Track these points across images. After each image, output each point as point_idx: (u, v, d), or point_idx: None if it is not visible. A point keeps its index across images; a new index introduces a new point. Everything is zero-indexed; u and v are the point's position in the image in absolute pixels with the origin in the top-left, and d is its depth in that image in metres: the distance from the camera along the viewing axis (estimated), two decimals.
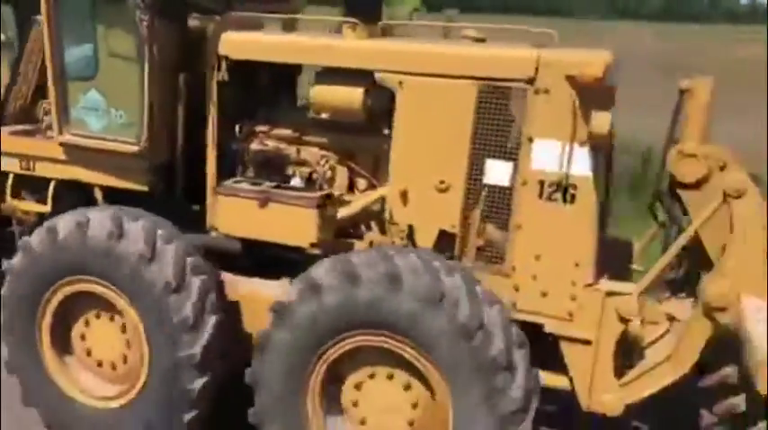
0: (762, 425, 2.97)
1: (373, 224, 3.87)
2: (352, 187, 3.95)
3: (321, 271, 3.21)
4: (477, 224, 3.48)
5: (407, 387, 3.28)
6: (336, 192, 3.87)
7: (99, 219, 3.62)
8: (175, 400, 3.58)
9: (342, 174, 3.91)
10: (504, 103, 3.34)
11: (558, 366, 3.50)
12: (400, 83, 3.46)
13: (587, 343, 3.34)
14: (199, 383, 3.55)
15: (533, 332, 3.37)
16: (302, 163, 3.94)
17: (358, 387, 3.36)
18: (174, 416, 3.63)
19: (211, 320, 3.54)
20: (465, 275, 3.18)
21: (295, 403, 3.33)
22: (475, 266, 3.48)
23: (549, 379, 3.45)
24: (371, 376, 3.33)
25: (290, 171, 3.95)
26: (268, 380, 3.34)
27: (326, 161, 3.89)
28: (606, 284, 3.34)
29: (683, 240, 3.32)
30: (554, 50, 3.34)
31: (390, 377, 3.30)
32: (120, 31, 3.74)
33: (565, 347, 3.40)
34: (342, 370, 3.35)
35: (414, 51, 3.57)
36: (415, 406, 3.29)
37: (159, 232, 3.59)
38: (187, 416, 3.62)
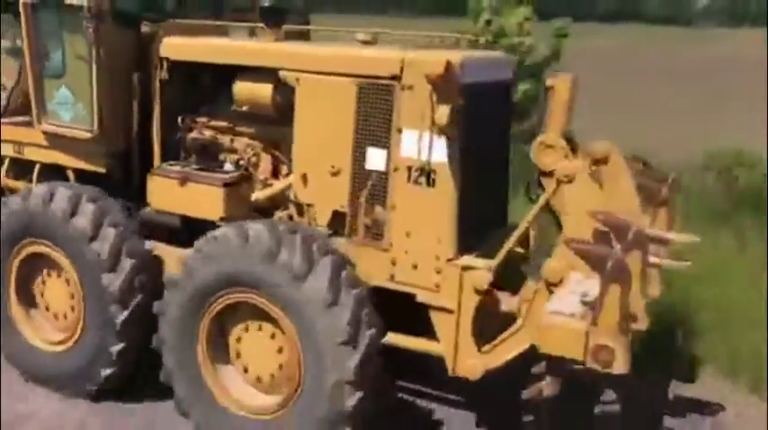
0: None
1: (292, 205, 4.41)
2: (276, 173, 4.53)
3: (202, 241, 3.87)
4: (363, 205, 3.97)
5: (273, 336, 3.88)
6: (261, 176, 4.48)
7: (63, 193, 4.38)
8: None
9: (266, 161, 4.51)
10: (383, 98, 3.83)
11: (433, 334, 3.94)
12: (297, 80, 4.05)
13: (450, 312, 3.76)
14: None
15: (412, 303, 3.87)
16: (233, 150, 4.58)
17: (238, 339, 4.00)
18: None
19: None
20: (305, 236, 3.75)
21: (191, 358, 3.98)
22: (362, 242, 3.97)
23: (428, 345, 3.94)
24: (246, 329, 3.95)
25: (222, 157, 4.59)
26: (168, 341, 4.00)
27: (252, 149, 4.51)
28: (466, 259, 3.76)
29: (524, 223, 3.76)
30: (421, 52, 3.83)
31: (260, 329, 3.91)
32: (79, 37, 4.44)
33: (433, 316, 3.84)
34: (225, 325, 4.00)
35: (307, 52, 4.19)
36: (280, 350, 3.87)
37: (108, 216, 4.32)
38: None
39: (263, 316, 3.83)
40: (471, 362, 3.75)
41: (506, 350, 3.70)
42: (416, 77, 3.63)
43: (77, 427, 4.37)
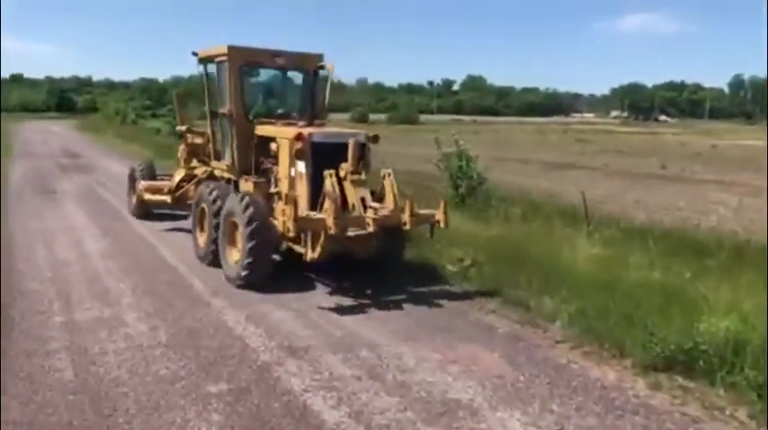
0: None
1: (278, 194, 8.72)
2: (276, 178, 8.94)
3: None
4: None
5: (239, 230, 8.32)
6: (274, 179, 8.94)
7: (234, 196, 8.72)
8: None
9: (275, 172, 8.93)
10: (293, 146, 8.28)
11: None
12: (278, 140, 8.73)
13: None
14: None
15: None
16: (272, 170, 8.98)
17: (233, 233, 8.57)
18: None
19: None
20: (250, 200, 8.13)
21: (223, 241, 8.70)
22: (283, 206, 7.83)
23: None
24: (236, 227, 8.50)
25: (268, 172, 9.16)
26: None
27: (274, 168, 8.94)
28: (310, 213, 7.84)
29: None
30: (309, 128, 8.48)
31: (236, 228, 8.40)
32: (228, 125, 9.39)
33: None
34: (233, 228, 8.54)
35: (285, 131, 8.65)
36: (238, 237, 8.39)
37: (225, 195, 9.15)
38: None
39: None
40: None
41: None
42: (301, 137, 8.10)
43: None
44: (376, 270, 8.43)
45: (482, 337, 6.54)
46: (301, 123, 8.68)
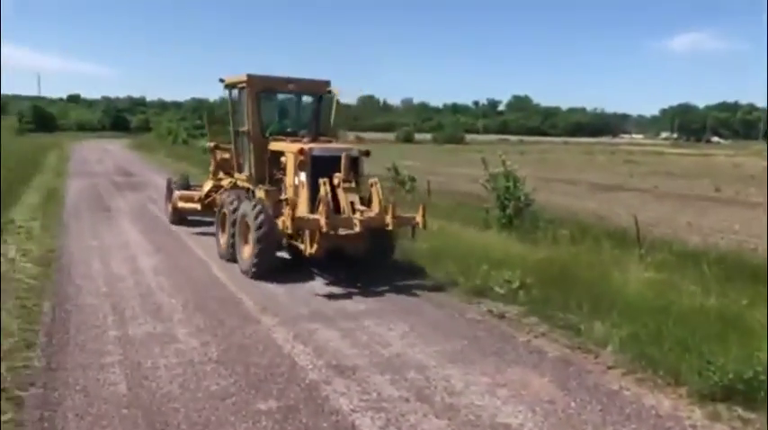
0: None
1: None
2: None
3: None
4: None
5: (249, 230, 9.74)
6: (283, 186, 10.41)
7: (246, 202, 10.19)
8: None
9: (283, 181, 10.30)
10: (298, 158, 9.70)
11: None
12: (284, 153, 10.14)
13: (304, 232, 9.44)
14: None
15: None
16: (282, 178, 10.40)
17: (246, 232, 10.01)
18: None
19: None
20: (255, 203, 9.74)
21: (238, 239, 10.14)
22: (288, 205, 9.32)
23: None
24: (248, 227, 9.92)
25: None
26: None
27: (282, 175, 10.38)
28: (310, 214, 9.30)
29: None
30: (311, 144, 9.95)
31: (248, 228, 9.75)
32: (247, 141, 10.80)
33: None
34: (245, 227, 10.01)
35: (291, 146, 10.13)
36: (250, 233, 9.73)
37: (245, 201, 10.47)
38: None
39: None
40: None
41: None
42: (303, 152, 9.57)
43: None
44: (368, 267, 9.69)
45: (531, 361, 6.44)
46: (306, 140, 10.14)
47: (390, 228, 9.08)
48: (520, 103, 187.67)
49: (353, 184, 9.38)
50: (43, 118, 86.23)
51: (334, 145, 10.27)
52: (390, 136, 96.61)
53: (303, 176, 9.53)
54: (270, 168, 10.37)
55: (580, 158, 56.09)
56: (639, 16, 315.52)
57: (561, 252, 10.05)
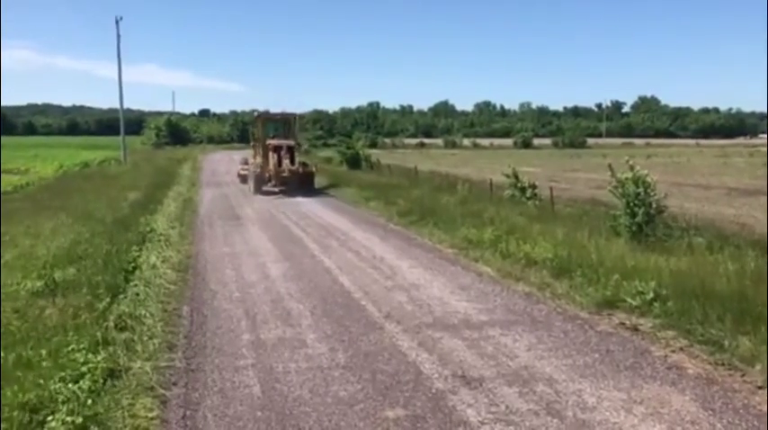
0: None
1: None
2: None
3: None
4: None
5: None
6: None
7: None
8: None
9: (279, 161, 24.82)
10: None
11: None
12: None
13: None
14: None
15: None
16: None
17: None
18: None
19: None
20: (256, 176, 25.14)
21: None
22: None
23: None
24: None
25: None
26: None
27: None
28: None
29: None
30: None
31: None
32: (261, 147, 26.38)
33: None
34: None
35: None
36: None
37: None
38: None
39: None
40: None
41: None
42: (271, 144, 25.12)
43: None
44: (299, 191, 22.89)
45: (670, 377, 6.07)
46: (276, 140, 24.89)
47: (300, 171, 23.88)
48: (646, 105, 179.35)
49: (287, 157, 23.60)
50: (177, 131, 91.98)
51: (285, 141, 24.59)
52: (508, 141, 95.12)
53: (272, 156, 23.78)
54: (264, 153, 24.65)
55: (714, 161, 52.67)
56: None
57: (698, 261, 9.43)
